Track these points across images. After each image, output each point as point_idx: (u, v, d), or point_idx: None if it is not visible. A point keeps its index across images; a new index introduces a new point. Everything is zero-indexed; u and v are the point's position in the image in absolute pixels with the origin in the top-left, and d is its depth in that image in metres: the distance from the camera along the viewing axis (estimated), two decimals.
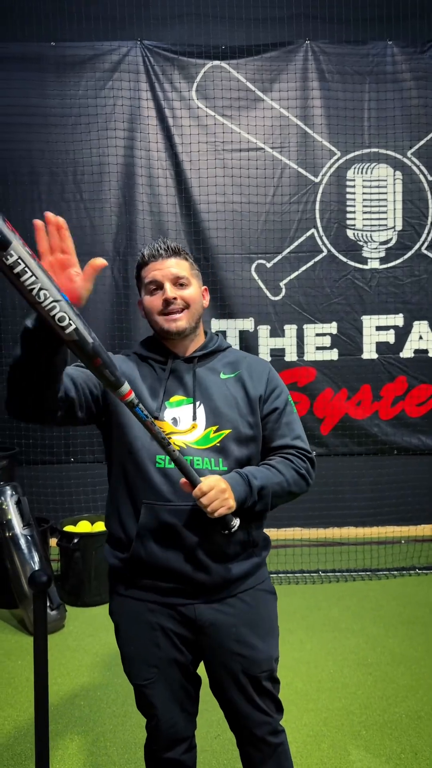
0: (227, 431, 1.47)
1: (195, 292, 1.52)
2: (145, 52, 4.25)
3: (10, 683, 2.73)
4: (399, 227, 4.41)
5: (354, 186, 4.39)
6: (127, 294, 4.32)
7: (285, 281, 4.37)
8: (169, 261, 1.50)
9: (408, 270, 4.43)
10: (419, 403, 4.49)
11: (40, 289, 1.06)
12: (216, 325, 4.36)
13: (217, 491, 1.33)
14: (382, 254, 4.43)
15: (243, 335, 4.37)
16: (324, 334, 4.42)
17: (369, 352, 4.44)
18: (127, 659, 1.56)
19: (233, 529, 1.40)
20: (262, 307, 4.36)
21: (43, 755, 1.63)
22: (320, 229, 4.38)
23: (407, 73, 4.33)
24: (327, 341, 4.42)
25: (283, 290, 4.38)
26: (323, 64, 4.32)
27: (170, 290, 1.48)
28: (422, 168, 4.38)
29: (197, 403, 1.48)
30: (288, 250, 4.36)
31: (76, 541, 3.41)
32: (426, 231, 4.41)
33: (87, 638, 3.13)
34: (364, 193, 4.39)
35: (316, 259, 4.38)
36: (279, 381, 1.59)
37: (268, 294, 4.37)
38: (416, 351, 4.47)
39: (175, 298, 1.48)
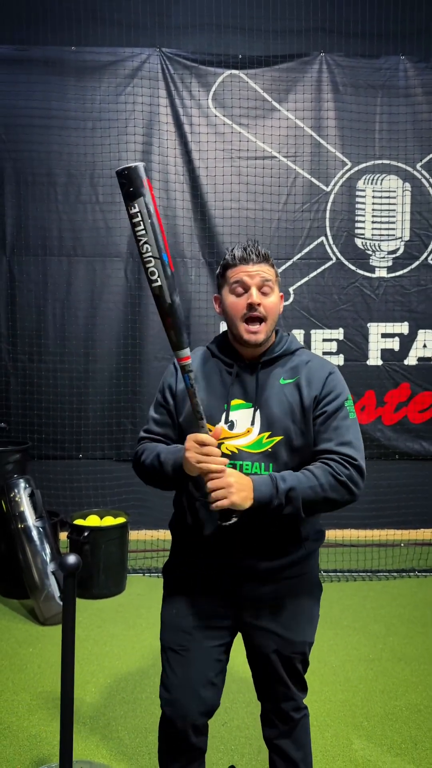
0: (279, 438, 1.52)
1: (276, 300, 1.57)
2: (164, 59, 4.35)
3: (22, 669, 2.82)
4: (407, 237, 4.52)
5: (364, 196, 4.49)
6: (139, 295, 4.41)
7: (294, 287, 4.47)
8: (259, 266, 1.54)
9: (414, 279, 4.53)
10: (422, 410, 4.59)
11: (145, 243, 1.35)
12: (224, 327, 4.44)
13: (226, 483, 1.38)
14: (390, 263, 4.53)
15: None
16: (331, 340, 4.52)
17: (374, 359, 4.54)
18: (165, 623, 1.69)
19: (226, 524, 1.44)
20: None
21: (66, 741, 1.72)
22: (330, 237, 4.48)
23: (419, 88, 4.44)
24: (333, 347, 4.52)
25: (292, 296, 4.48)
26: (337, 76, 4.42)
27: (256, 295, 1.52)
28: (431, 180, 4.49)
29: (255, 409, 1.54)
30: (298, 256, 4.46)
31: (86, 534, 3.50)
32: None
33: (96, 629, 3.22)
34: (373, 204, 4.50)
35: (325, 266, 4.48)
36: (337, 385, 1.58)
37: None
38: (420, 359, 4.57)
39: (259, 304, 1.52)
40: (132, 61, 4.35)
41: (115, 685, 2.72)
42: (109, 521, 3.70)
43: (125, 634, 3.19)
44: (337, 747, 2.32)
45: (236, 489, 1.39)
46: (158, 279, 1.37)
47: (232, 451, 1.53)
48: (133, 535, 3.96)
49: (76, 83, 4.33)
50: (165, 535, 4.33)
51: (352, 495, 1.48)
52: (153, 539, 4.26)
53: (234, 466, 1.49)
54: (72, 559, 1.71)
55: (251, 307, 1.53)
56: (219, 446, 1.47)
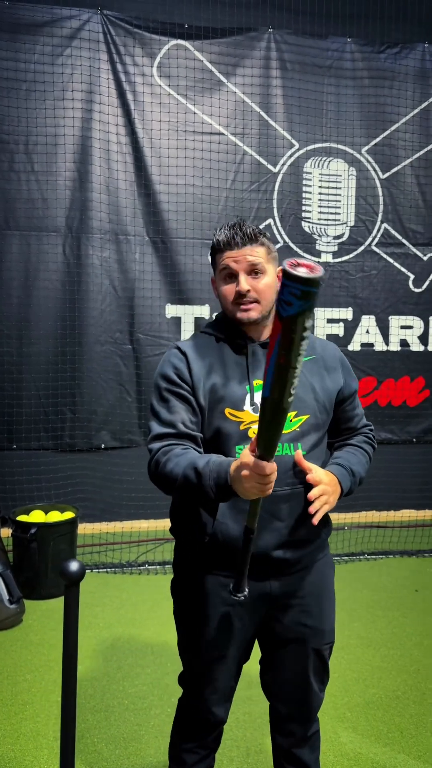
0: (306, 417, 1.47)
1: (269, 280, 1.47)
2: (105, 21, 4.07)
3: None
4: (351, 223, 4.51)
5: (311, 179, 4.44)
6: (79, 273, 4.14)
7: None
8: (245, 249, 1.44)
9: (358, 265, 4.54)
10: (364, 395, 4.62)
11: (303, 356, 1.07)
12: (174, 310, 4.28)
13: (322, 490, 1.40)
14: (335, 248, 4.51)
15: (198, 322, 4.31)
16: None
17: None
18: (191, 637, 1.55)
19: (238, 596, 1.37)
20: None
21: (69, 753, 1.53)
22: (277, 220, 4.40)
23: (365, 71, 4.43)
24: None
25: None
26: (285, 54, 4.32)
27: (243, 282, 1.44)
28: (375, 166, 4.50)
29: None
30: None
31: (33, 531, 3.24)
32: (376, 228, 4.54)
33: (49, 632, 2.99)
34: (320, 187, 4.46)
35: None
36: (347, 362, 1.63)
37: None
38: (363, 344, 4.60)
39: (248, 291, 1.44)
40: (71, 21, 4.03)
41: (81, 693, 2.52)
42: (56, 516, 3.45)
43: (82, 635, 2.94)
44: (325, 741, 2.24)
45: (331, 491, 1.43)
46: (293, 391, 1.11)
47: None
48: (79, 528, 3.72)
49: (9, 41, 3.96)
50: (113, 527, 4.13)
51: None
52: (101, 533, 4.04)
53: None
54: (75, 566, 1.51)
55: (240, 294, 1.45)
56: (247, 431, 1.42)
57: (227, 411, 1.43)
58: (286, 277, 0.97)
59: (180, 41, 4.18)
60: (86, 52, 4.05)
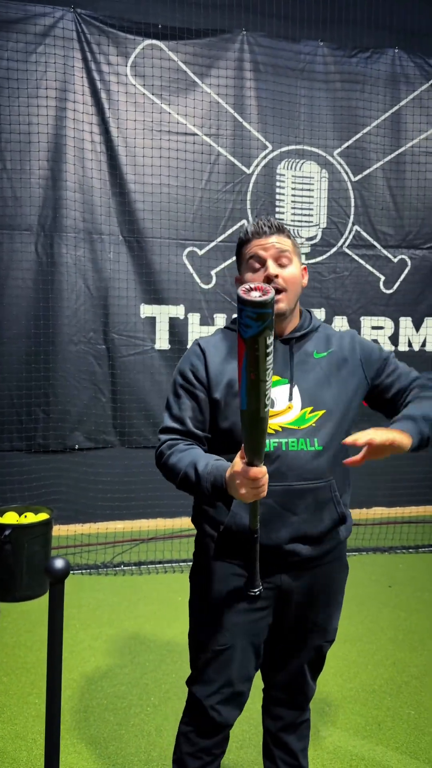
0: (322, 412, 1.48)
1: (296, 271, 1.50)
2: (78, 20, 4.05)
3: None
4: (324, 224, 4.57)
5: (284, 181, 4.48)
6: (51, 271, 4.10)
7: (216, 270, 4.37)
8: (273, 238, 1.47)
9: (331, 267, 4.60)
10: None
11: (271, 370, 1.14)
12: (149, 310, 4.27)
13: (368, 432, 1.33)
14: (308, 250, 4.56)
15: (173, 322, 4.31)
16: None
17: None
18: (203, 623, 1.55)
19: (253, 592, 1.41)
20: (193, 294, 4.33)
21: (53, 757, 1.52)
22: (251, 220, 4.42)
23: (336, 74, 4.49)
24: None
25: (214, 279, 4.37)
26: (258, 56, 4.35)
27: (272, 267, 1.46)
28: (347, 168, 4.56)
29: (293, 384, 1.48)
30: (220, 238, 4.36)
31: (7, 533, 3.20)
32: (348, 230, 4.61)
33: (25, 634, 2.95)
34: (293, 188, 4.50)
35: None
36: (365, 342, 1.62)
37: (199, 282, 4.35)
38: None
39: (276, 276, 1.45)
40: (44, 18, 4.00)
41: (61, 695, 2.49)
42: (30, 518, 3.41)
43: None
44: None
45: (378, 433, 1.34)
46: (268, 402, 1.17)
47: (276, 429, 1.45)
48: (54, 530, 3.69)
49: None
50: (88, 529, 4.10)
51: None
52: (76, 534, 4.01)
53: (279, 445, 1.43)
54: (60, 563, 1.50)
55: (269, 279, 1.45)
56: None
57: None
58: (242, 303, 1.04)
59: (154, 41, 4.17)
60: (59, 50, 4.01)
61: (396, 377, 1.59)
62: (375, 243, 4.65)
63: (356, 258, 4.62)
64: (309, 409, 1.47)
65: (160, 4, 4.16)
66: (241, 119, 4.35)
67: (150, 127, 4.19)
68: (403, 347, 4.74)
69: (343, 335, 1.61)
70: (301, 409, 1.47)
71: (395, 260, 4.70)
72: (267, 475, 1.27)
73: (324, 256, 4.58)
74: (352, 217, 4.60)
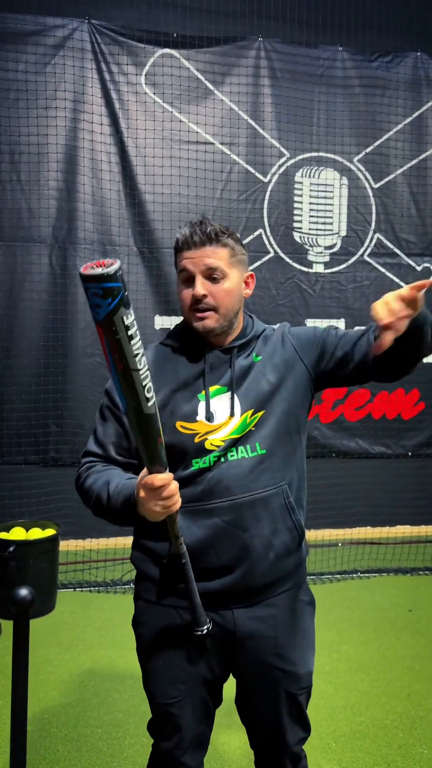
0: (261, 412, 1.37)
1: (231, 285, 1.36)
2: (93, 31, 4.03)
3: None
4: (343, 233, 4.44)
5: (302, 189, 4.37)
6: (65, 284, 4.06)
7: None
8: (204, 250, 1.32)
9: (351, 276, 4.46)
10: (357, 408, 4.53)
11: (142, 356, 1.02)
12: (161, 321, 4.20)
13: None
14: (327, 259, 4.44)
15: None
16: None
17: None
18: (151, 675, 1.42)
19: (199, 631, 1.30)
20: None
21: None
22: (267, 230, 4.33)
23: (356, 80, 4.38)
24: None
25: None
26: (275, 62, 4.27)
27: (200, 287, 1.33)
28: (367, 175, 4.43)
29: (234, 394, 1.37)
30: None
31: (12, 549, 3.13)
32: (369, 238, 4.47)
33: None
34: (311, 197, 4.38)
35: (263, 259, 4.32)
36: (298, 330, 1.49)
37: None
38: None
39: (204, 296, 1.33)
40: (58, 30, 3.99)
41: (54, 721, 2.40)
42: (37, 533, 3.35)
43: (60, 658, 2.87)
44: None
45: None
46: (153, 396, 1.08)
47: (218, 445, 1.34)
48: (62, 545, 3.62)
49: None
50: (97, 545, 4.03)
51: None
52: (83, 550, 3.93)
53: (218, 458, 1.34)
54: (23, 592, 1.43)
55: (196, 299, 1.34)
56: (203, 443, 1.33)
57: (178, 424, 1.34)
58: (84, 280, 0.94)
59: (168, 50, 4.13)
60: (74, 61, 3.99)
61: (344, 342, 1.42)
62: (397, 251, 4.49)
63: (378, 266, 4.47)
64: (249, 412, 1.37)
65: (175, 13, 4.11)
66: (257, 127, 4.27)
67: (164, 137, 4.13)
68: (427, 358, 4.55)
69: (275, 330, 1.49)
70: (242, 415, 1.36)
71: (419, 269, 4.54)
72: (175, 483, 1.17)
73: (344, 265, 4.44)
74: (373, 224, 4.46)
